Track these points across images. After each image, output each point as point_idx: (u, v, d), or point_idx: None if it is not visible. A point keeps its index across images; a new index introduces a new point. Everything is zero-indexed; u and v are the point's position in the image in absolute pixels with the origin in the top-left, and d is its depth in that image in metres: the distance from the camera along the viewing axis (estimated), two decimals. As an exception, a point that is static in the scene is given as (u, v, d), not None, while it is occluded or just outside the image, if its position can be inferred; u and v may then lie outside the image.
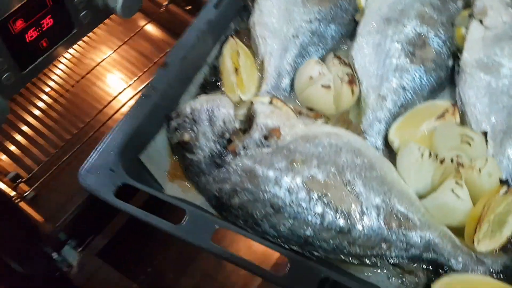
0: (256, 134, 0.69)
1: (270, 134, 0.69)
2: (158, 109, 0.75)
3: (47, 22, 0.90)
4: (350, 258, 0.65)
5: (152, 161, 0.74)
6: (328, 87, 0.74)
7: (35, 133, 1.10)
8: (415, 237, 0.64)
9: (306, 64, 0.78)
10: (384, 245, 0.64)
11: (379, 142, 0.74)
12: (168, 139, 0.75)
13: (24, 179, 1.02)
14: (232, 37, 0.84)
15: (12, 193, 1.00)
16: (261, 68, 0.82)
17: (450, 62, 0.80)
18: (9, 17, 0.82)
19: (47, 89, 1.17)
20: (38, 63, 0.93)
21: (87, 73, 1.19)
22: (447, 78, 0.80)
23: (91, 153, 0.69)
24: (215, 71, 0.83)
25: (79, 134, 1.10)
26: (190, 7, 1.28)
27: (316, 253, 0.65)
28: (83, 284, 0.98)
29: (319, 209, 0.64)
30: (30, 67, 0.92)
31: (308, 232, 0.64)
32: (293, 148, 0.67)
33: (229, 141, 0.69)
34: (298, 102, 0.79)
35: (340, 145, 0.68)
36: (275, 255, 0.74)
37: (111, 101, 1.16)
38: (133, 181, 0.67)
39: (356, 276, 0.65)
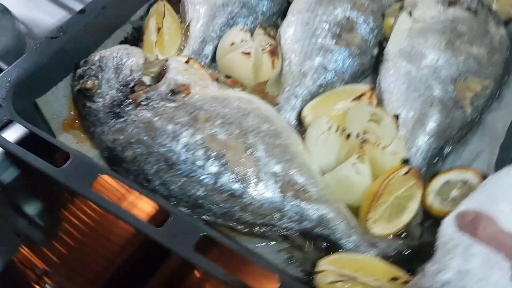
0: (163, 87, 0.65)
1: (178, 90, 0.65)
2: (65, 54, 0.70)
3: None
4: (240, 226, 0.61)
5: (50, 107, 0.69)
6: (248, 54, 0.72)
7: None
8: (310, 210, 0.61)
9: (230, 31, 0.76)
10: (277, 215, 0.61)
11: (293, 117, 0.72)
12: (71, 87, 0.70)
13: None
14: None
15: None
16: (185, 33, 0.79)
17: (376, 51, 0.79)
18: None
19: None
20: None
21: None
22: (370, 66, 0.79)
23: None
24: (138, 31, 0.80)
25: None
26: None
27: (205, 217, 0.61)
28: None
29: (214, 169, 0.60)
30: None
31: (200, 192, 0.60)
32: (199, 105, 0.64)
33: (133, 91, 0.65)
34: (218, 71, 0.77)
35: (249, 110, 0.65)
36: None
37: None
38: (20, 118, 0.62)
39: (240, 243, 0.61)
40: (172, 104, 0.64)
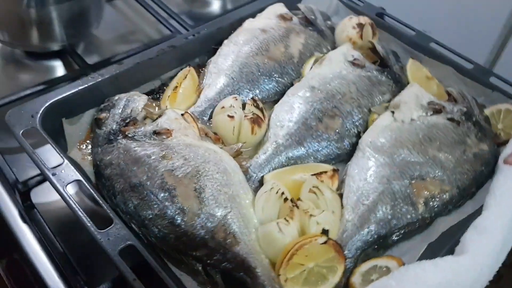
0: (150, 127, 0.81)
1: (160, 131, 0.80)
2: (97, 91, 0.89)
3: None
4: (173, 252, 0.71)
5: (72, 127, 0.86)
6: (232, 117, 0.85)
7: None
8: (235, 254, 0.69)
9: (227, 98, 0.90)
10: (205, 250, 0.70)
11: (258, 178, 0.81)
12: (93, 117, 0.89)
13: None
14: (189, 65, 0.99)
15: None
16: (198, 95, 0.95)
17: (355, 140, 0.87)
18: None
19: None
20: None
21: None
22: (347, 153, 0.87)
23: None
24: (164, 86, 0.98)
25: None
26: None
27: (148, 238, 0.72)
28: None
29: (164, 198, 0.72)
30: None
31: (148, 214, 0.72)
32: (171, 146, 0.78)
33: (127, 125, 0.81)
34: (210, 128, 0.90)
35: (211, 159, 0.77)
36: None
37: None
38: (42, 129, 0.80)
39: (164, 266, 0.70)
40: (151, 141, 0.78)
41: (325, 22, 1.11)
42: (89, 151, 0.86)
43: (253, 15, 1.10)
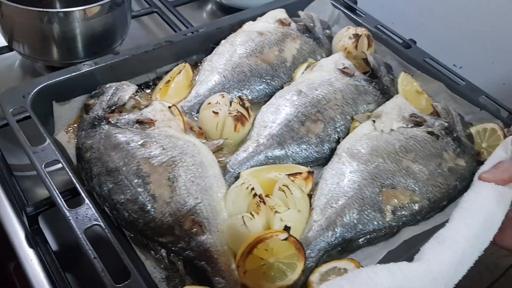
0: (133, 115, 0.83)
1: (143, 121, 0.82)
2: (91, 78, 0.92)
3: None
4: (141, 237, 0.73)
5: (62, 110, 0.90)
6: (216, 113, 0.87)
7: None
8: (198, 243, 0.71)
9: (215, 95, 0.92)
10: (170, 237, 0.72)
11: (235, 174, 0.83)
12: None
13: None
14: (186, 62, 1.02)
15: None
16: (190, 91, 0.98)
17: (334, 145, 0.88)
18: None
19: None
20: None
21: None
22: (326, 157, 0.88)
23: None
24: (158, 80, 1.01)
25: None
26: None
27: (118, 221, 0.74)
28: None
29: (137, 184, 0.75)
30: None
31: (120, 198, 0.74)
32: (152, 136, 0.80)
33: (112, 112, 0.84)
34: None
35: (188, 151, 0.79)
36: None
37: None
38: (31, 111, 0.83)
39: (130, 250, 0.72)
40: (133, 129, 0.81)
41: (324, 30, 1.13)
42: (74, 135, 0.89)
43: (253, 18, 1.12)
